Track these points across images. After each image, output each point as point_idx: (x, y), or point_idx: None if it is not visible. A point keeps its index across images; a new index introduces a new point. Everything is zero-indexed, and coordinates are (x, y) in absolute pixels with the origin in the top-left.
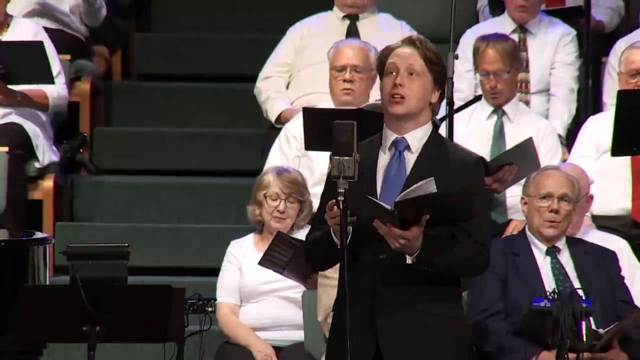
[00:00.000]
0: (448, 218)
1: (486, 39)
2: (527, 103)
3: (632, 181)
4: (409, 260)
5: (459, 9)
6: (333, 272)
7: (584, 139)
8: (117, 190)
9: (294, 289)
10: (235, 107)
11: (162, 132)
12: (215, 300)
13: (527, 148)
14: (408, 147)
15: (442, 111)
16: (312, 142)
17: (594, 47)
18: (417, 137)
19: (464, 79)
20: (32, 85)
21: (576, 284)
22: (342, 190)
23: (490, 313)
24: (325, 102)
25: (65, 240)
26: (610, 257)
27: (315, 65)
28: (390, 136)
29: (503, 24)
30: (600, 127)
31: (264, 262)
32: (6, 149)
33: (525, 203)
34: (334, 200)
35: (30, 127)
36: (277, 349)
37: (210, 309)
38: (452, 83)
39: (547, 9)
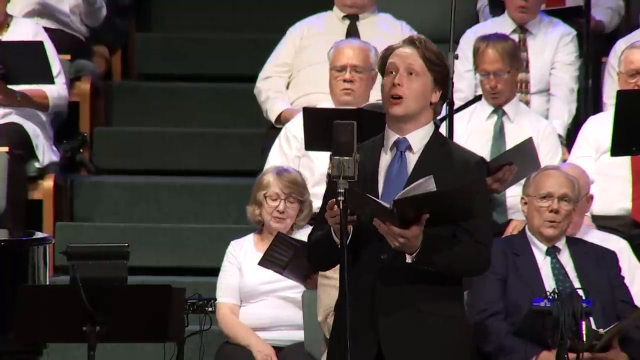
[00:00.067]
0: (448, 217)
1: (486, 39)
2: (527, 103)
3: (632, 181)
4: (408, 259)
5: (459, 9)
6: (333, 272)
7: (584, 139)
8: (117, 190)
9: (294, 289)
10: (235, 107)
11: (162, 132)
12: (215, 300)
13: (527, 148)
14: (409, 148)
15: (442, 111)
16: (312, 142)
17: (594, 47)
18: (418, 138)
19: (464, 79)
20: (32, 85)
21: (576, 284)
22: (342, 190)
23: (490, 313)
24: (325, 102)
25: (65, 240)
26: (610, 257)
27: (315, 65)
28: (391, 136)
29: (503, 24)
30: (600, 127)
31: (264, 262)
32: (6, 149)
33: (525, 203)
34: (334, 200)
35: (30, 127)
36: (277, 349)
37: (210, 309)
38: (452, 83)
39: (547, 9)
